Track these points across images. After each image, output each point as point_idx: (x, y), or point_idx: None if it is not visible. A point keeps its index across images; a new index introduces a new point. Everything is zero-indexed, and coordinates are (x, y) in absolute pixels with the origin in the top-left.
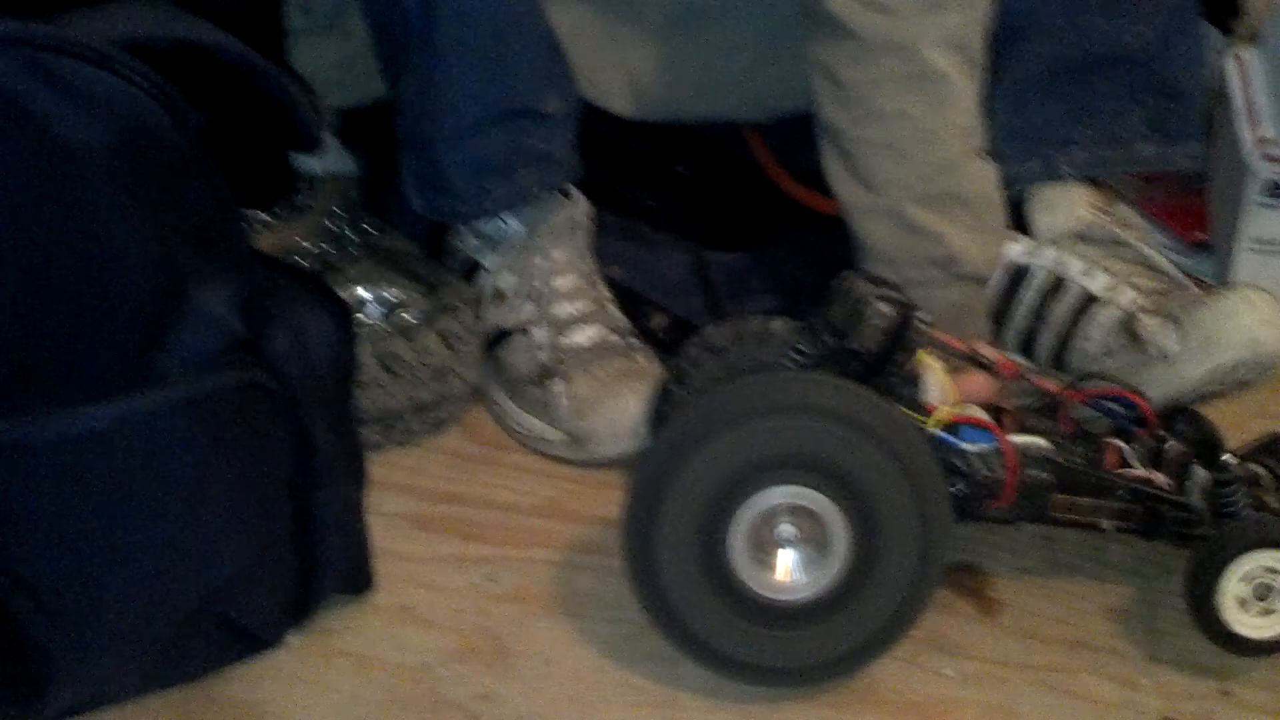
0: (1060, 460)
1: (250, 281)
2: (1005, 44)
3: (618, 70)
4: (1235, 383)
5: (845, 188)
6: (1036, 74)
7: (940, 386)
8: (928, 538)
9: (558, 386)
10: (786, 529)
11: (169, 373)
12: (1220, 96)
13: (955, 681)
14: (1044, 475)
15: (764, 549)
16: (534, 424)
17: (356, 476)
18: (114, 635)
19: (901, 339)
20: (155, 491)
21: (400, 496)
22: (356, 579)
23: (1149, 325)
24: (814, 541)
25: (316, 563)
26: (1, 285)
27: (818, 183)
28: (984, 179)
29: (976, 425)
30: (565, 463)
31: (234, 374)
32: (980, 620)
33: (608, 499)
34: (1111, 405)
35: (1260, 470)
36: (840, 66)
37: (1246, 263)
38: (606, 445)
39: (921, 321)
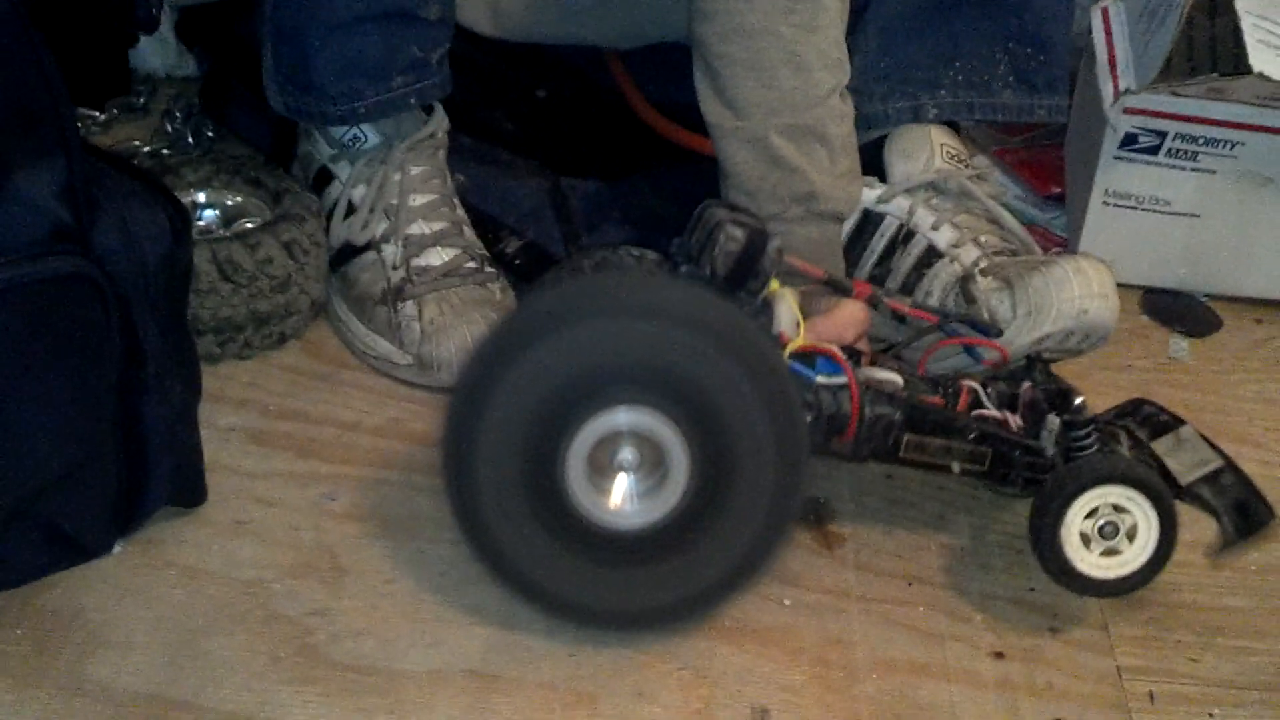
0: (910, 397)
1: (78, 169)
2: None
3: None
4: (1065, 350)
5: (711, 107)
6: (905, 14)
7: (792, 317)
8: (784, 470)
9: (408, 309)
10: (626, 454)
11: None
12: (1084, 50)
13: (793, 610)
14: (892, 412)
15: (599, 474)
16: (380, 345)
17: (190, 386)
18: None
19: (754, 265)
20: None
21: (237, 411)
22: (188, 491)
23: (983, 287)
24: (654, 468)
25: (146, 472)
26: None
27: (680, 115)
28: (845, 120)
29: (828, 357)
30: (409, 385)
31: (57, 263)
32: (820, 553)
33: None
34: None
35: (1120, 432)
36: None
37: (1099, 216)
38: (453, 373)
39: (775, 249)
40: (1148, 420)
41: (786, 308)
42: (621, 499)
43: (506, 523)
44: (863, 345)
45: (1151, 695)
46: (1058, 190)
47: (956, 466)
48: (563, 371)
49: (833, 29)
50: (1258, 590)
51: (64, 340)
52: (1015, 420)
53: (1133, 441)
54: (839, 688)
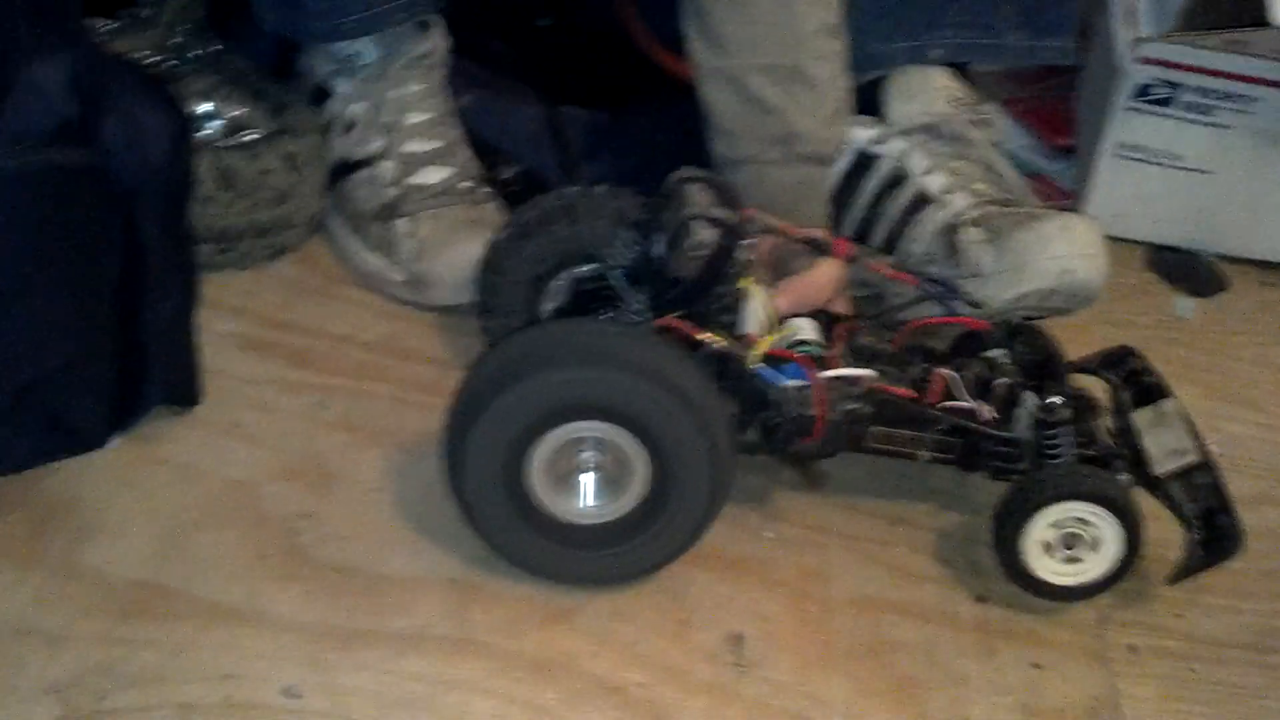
0: (878, 393)
1: (86, 63)
2: None
3: None
4: (1048, 309)
5: (694, 45)
6: None
7: (760, 317)
8: (715, 477)
9: (402, 226)
10: (587, 456)
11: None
12: None
13: (773, 543)
14: (860, 408)
15: (565, 476)
16: (374, 261)
17: (189, 289)
18: None
19: (723, 267)
20: None
21: (233, 318)
22: (184, 391)
23: (968, 239)
24: (613, 470)
25: (143, 368)
26: None
27: (681, 49)
28: (833, 60)
29: (794, 360)
30: (402, 303)
31: (64, 154)
32: (805, 490)
33: (442, 340)
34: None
35: (1100, 385)
36: None
37: (1108, 168)
38: (446, 290)
39: (744, 248)
40: (1133, 377)
41: (755, 307)
42: (584, 497)
43: (493, 523)
44: (841, 305)
45: (1133, 648)
46: (1068, 142)
47: (925, 455)
48: (527, 410)
49: None
50: (1249, 553)
51: (68, 231)
52: (988, 410)
53: (1114, 409)
54: (814, 620)
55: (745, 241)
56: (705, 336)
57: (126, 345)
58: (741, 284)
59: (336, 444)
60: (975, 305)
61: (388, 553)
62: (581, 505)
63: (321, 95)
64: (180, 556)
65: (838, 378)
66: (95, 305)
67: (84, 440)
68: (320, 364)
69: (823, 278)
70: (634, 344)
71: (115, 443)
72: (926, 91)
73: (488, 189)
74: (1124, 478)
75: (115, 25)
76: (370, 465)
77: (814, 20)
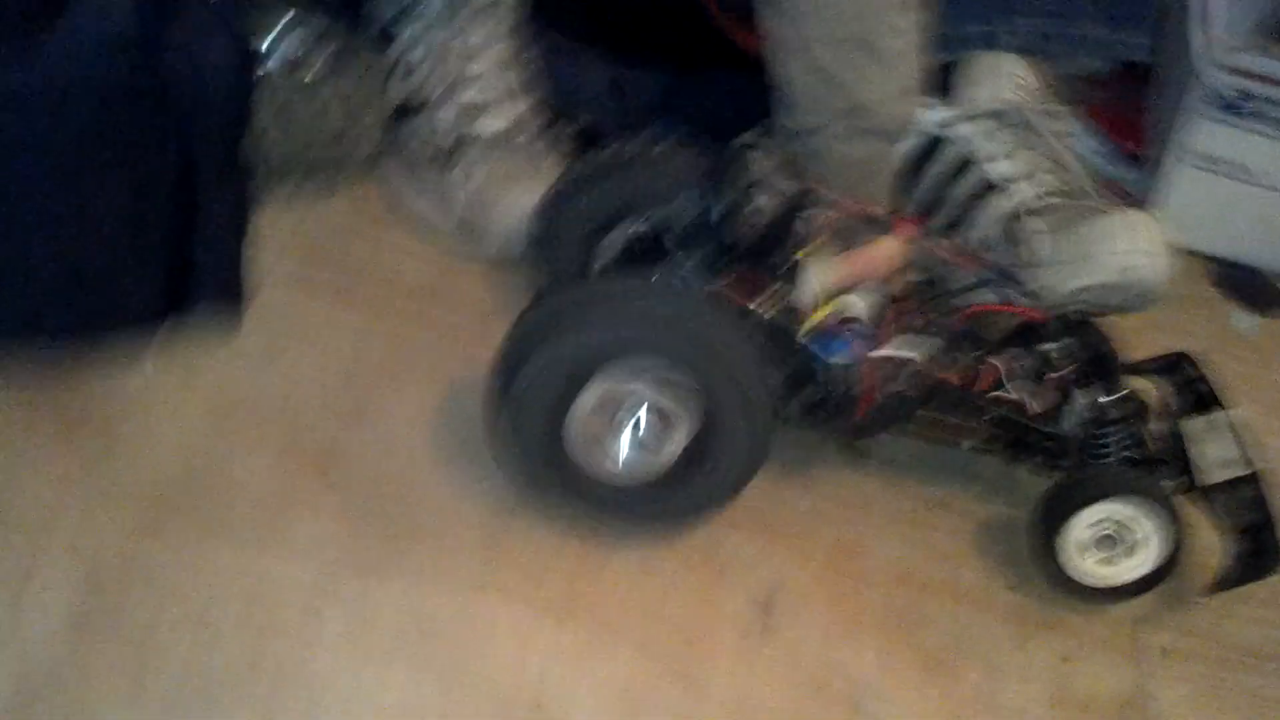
0: (926, 377)
1: None
2: None
3: None
4: (1107, 306)
5: (765, 12)
6: None
7: (814, 291)
8: (754, 435)
9: (456, 174)
10: (628, 412)
11: (54, 51)
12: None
13: (810, 513)
14: (906, 389)
15: (608, 426)
16: (426, 207)
17: (240, 203)
18: None
19: (782, 237)
20: (25, 162)
21: (281, 252)
22: (230, 293)
23: (1029, 228)
24: (655, 423)
25: (193, 267)
26: None
27: (752, 23)
28: (906, 35)
29: (843, 337)
30: (450, 249)
31: (123, 69)
32: (845, 463)
33: (485, 288)
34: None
35: (1152, 390)
36: None
37: (1176, 176)
38: (495, 239)
39: (803, 220)
40: (1187, 385)
41: (809, 279)
42: (623, 451)
43: (533, 457)
44: (897, 284)
45: (1166, 650)
46: (1138, 148)
47: (966, 444)
48: (572, 361)
49: None
50: None
51: (126, 141)
52: (1037, 404)
53: (1165, 414)
54: (846, 591)
55: (804, 213)
56: (756, 305)
57: (177, 256)
58: (798, 255)
59: (375, 381)
60: (1033, 295)
61: (419, 489)
62: (622, 455)
63: (386, 39)
64: (211, 475)
65: (886, 358)
66: (148, 204)
67: (134, 320)
68: (365, 303)
69: (882, 255)
70: (684, 301)
71: (151, 369)
72: (998, 78)
73: (545, 142)
74: (1168, 484)
75: None
76: (406, 404)
77: None
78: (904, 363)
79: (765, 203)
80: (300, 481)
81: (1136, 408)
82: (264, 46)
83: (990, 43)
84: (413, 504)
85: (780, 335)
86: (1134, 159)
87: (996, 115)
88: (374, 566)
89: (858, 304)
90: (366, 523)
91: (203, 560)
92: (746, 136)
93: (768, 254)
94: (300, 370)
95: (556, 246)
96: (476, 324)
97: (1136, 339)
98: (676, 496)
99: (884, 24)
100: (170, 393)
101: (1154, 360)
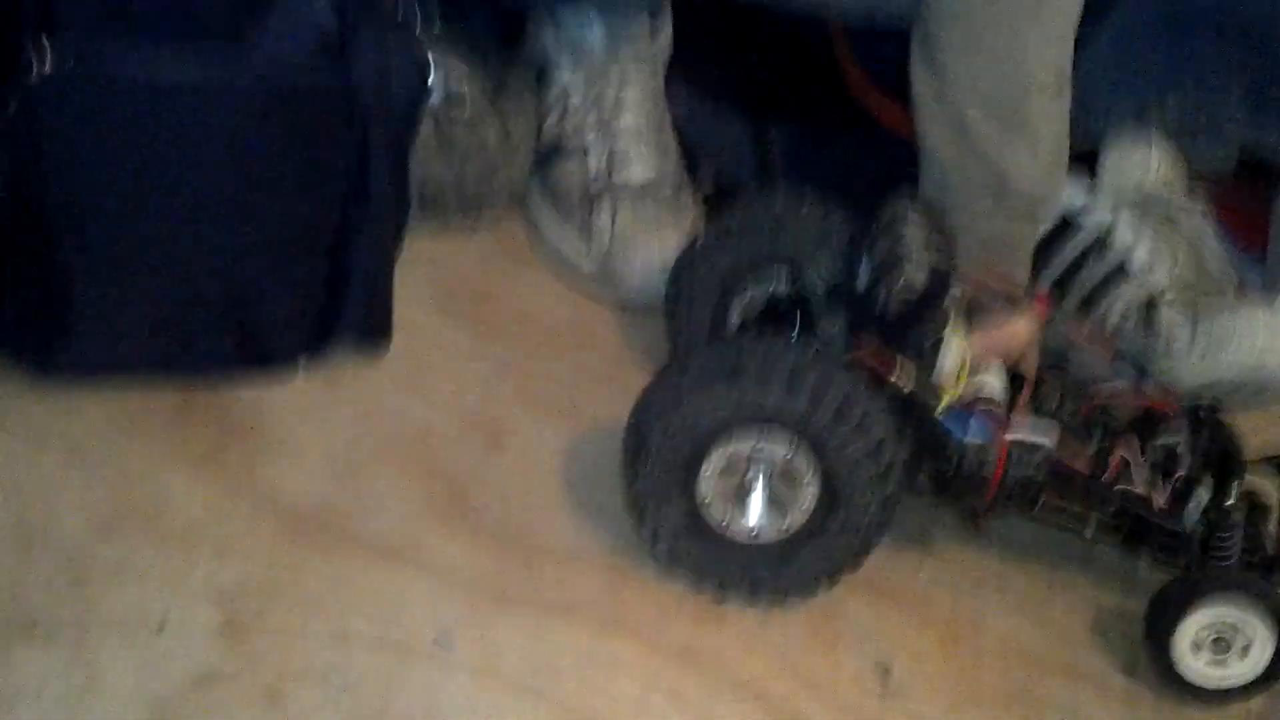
0: (1057, 465)
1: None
2: None
3: None
4: (1236, 400)
5: (917, 74)
6: (1145, 21)
7: (954, 367)
8: (880, 515)
9: (601, 218)
10: (757, 473)
11: (259, 51)
12: None
13: (930, 582)
14: (1035, 475)
15: (737, 489)
16: (568, 247)
17: (398, 232)
18: (140, 298)
19: (929, 311)
20: (215, 167)
21: (426, 279)
22: (375, 331)
23: (1166, 316)
24: (782, 487)
25: (343, 298)
26: None
27: (895, 95)
28: (1055, 119)
29: (980, 417)
30: (590, 291)
31: (319, 77)
32: (966, 534)
33: (623, 332)
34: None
35: (1271, 489)
36: None
37: None
38: (633, 286)
39: (951, 296)
40: None
41: (950, 355)
42: (753, 512)
43: (661, 521)
44: (1030, 363)
45: None
46: (1260, 247)
47: (1089, 532)
48: (708, 419)
49: (1063, 16)
50: None
51: (307, 151)
52: (1160, 498)
53: None
54: (965, 664)
55: (953, 290)
56: (895, 377)
57: (332, 273)
58: (941, 331)
59: (511, 413)
60: (1163, 385)
61: (550, 524)
62: (749, 521)
63: (543, 77)
64: (352, 492)
65: (1018, 441)
66: (315, 226)
67: (273, 359)
68: (503, 335)
69: (1018, 332)
70: (818, 369)
71: (302, 375)
72: (1142, 166)
73: (688, 194)
74: None
75: None
76: (541, 438)
77: (1045, 74)
78: (1035, 447)
79: (913, 276)
80: (437, 505)
81: (1256, 506)
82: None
83: (1139, 128)
84: (542, 538)
85: (916, 409)
86: (1254, 258)
87: (1139, 203)
88: (505, 598)
89: (993, 384)
90: (498, 552)
91: (341, 574)
92: (897, 205)
93: (911, 328)
94: (440, 394)
95: (694, 299)
96: (610, 366)
97: (1259, 430)
98: (801, 559)
99: (1037, 106)
100: (317, 404)
101: (1276, 458)
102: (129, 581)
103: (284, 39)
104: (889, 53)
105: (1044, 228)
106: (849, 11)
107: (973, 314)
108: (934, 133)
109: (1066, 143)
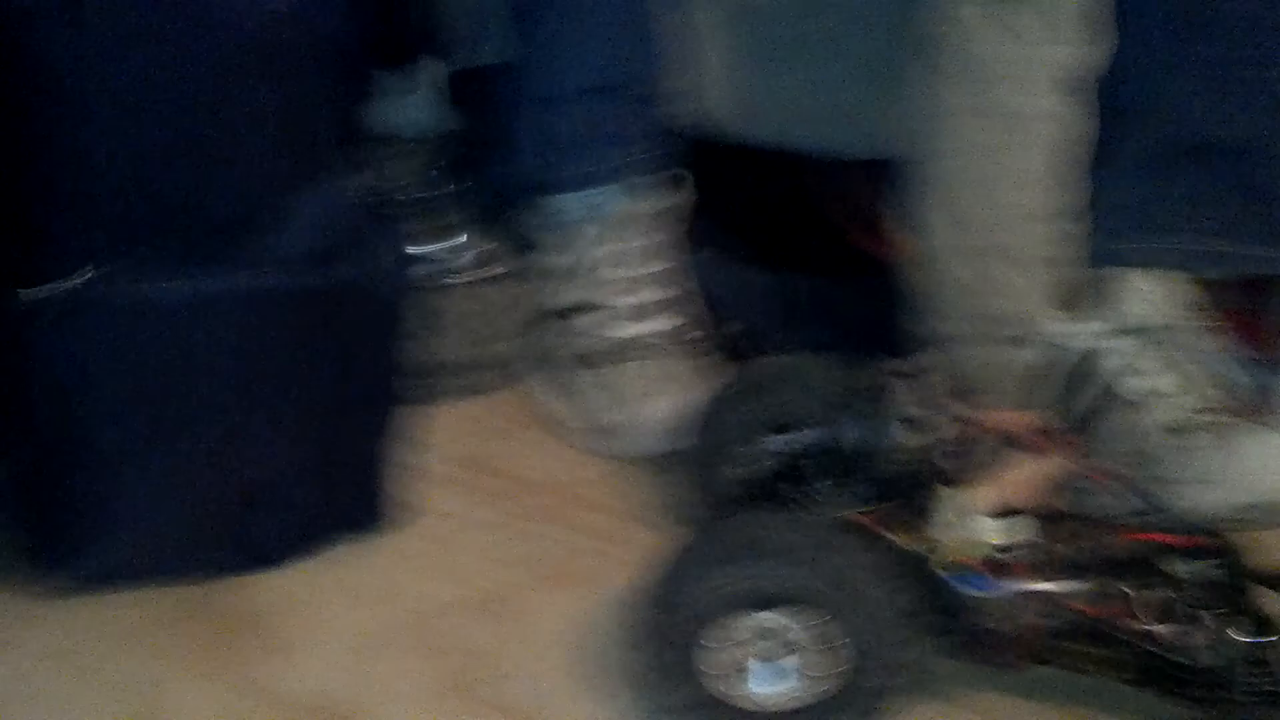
0: (1069, 611)
1: (339, 197)
2: (1127, 118)
3: (730, 87)
4: (1243, 523)
5: (903, 223)
6: (1154, 154)
7: (953, 519)
8: (889, 677)
9: (595, 376)
10: (763, 645)
11: (252, 265)
12: None
13: None
14: (1044, 624)
15: (742, 663)
16: (563, 408)
17: (389, 420)
18: (151, 513)
19: (923, 475)
20: (220, 373)
21: (421, 452)
22: (369, 520)
23: (1176, 444)
24: (787, 661)
25: (337, 494)
26: (140, 153)
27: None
28: (1047, 243)
29: (983, 572)
30: (590, 450)
31: (314, 277)
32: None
33: (622, 491)
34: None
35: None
36: (931, 88)
37: None
38: (632, 442)
39: (947, 457)
40: None
41: (948, 511)
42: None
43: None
44: (1043, 505)
45: None
46: (1265, 352)
47: (1122, 676)
48: (713, 597)
49: (1056, 146)
50: None
51: (302, 351)
52: (1180, 639)
53: None
54: None
55: (949, 450)
56: (894, 537)
57: (324, 470)
58: (942, 491)
59: (516, 584)
60: (1177, 514)
61: (556, 697)
62: (758, 693)
63: (532, 244)
64: (353, 680)
65: (1031, 592)
66: (310, 427)
67: (267, 560)
68: (503, 504)
69: (1029, 478)
70: (823, 543)
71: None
72: (1156, 293)
73: (688, 348)
74: None
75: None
76: (549, 609)
77: (1036, 204)
78: (1049, 596)
79: (910, 438)
80: (447, 685)
81: (1267, 631)
82: (416, 250)
83: (1154, 260)
84: (550, 714)
85: (916, 567)
86: (1259, 363)
87: (1159, 330)
88: None
89: (992, 528)
90: None
91: None
92: (891, 363)
93: (908, 489)
94: (441, 570)
95: (706, 457)
96: (618, 525)
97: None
98: None
99: (1025, 233)
100: (316, 590)
101: None
102: None
103: (275, 251)
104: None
105: (1061, 361)
106: (858, 146)
107: (979, 460)
108: (924, 274)
109: (1059, 266)
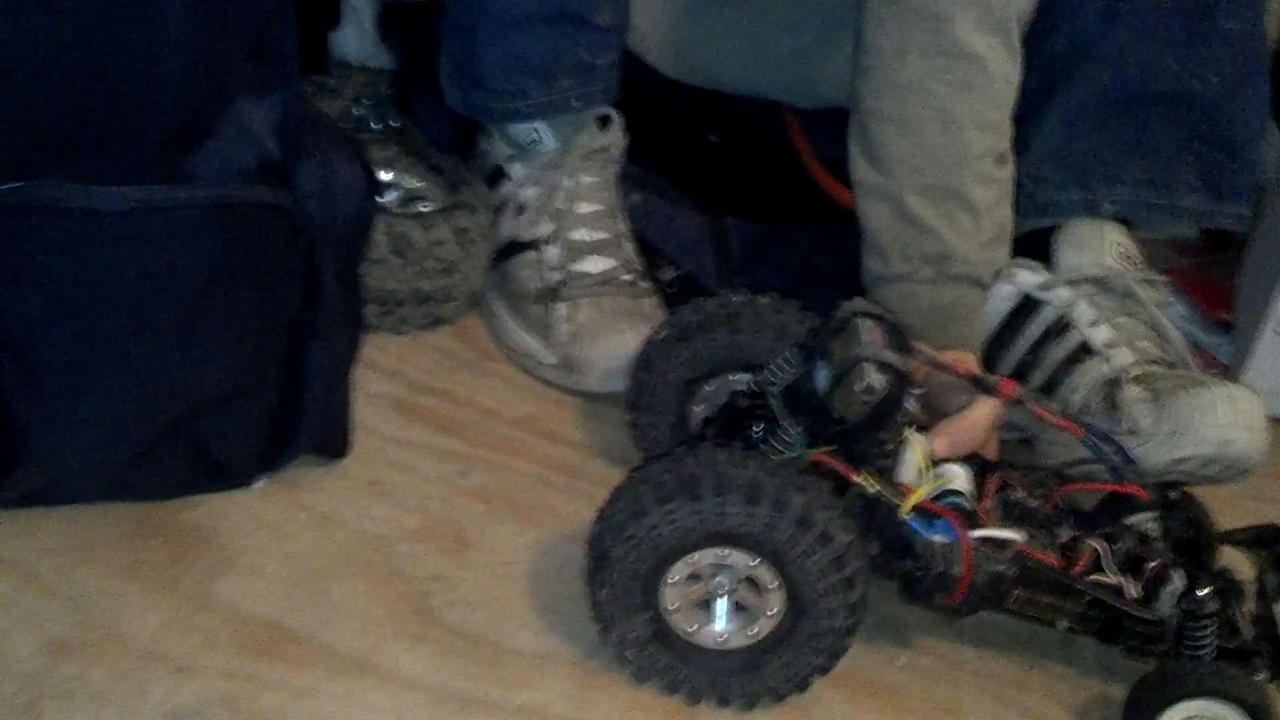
0: (1025, 558)
1: (294, 110)
2: (1067, 66)
3: (664, 29)
4: (1201, 477)
5: (856, 164)
6: (1094, 102)
7: (917, 467)
8: (848, 620)
9: (560, 310)
10: (722, 581)
11: (198, 176)
12: (1276, 179)
13: (905, 670)
14: (1006, 570)
15: (701, 599)
16: (529, 342)
17: (351, 342)
18: (90, 426)
19: (889, 415)
20: (160, 289)
21: (385, 380)
22: (333, 441)
23: (1129, 395)
24: (748, 597)
25: (299, 412)
26: (55, 54)
27: (845, 175)
28: (997, 186)
29: (945, 516)
30: (551, 386)
31: (259, 191)
32: (941, 620)
33: (585, 425)
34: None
35: (1245, 565)
36: (872, 28)
37: (1269, 346)
38: (596, 377)
39: (913, 397)
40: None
41: (913, 456)
42: (717, 623)
43: (625, 632)
44: (991, 448)
45: None
46: (1225, 316)
47: (1063, 624)
48: (669, 535)
49: (994, 90)
50: None
51: (252, 267)
52: (1133, 588)
53: (1258, 593)
54: None
55: (915, 391)
56: (859, 479)
57: (287, 385)
58: (905, 433)
59: (474, 513)
60: (1129, 463)
61: (515, 626)
62: (715, 629)
63: (498, 177)
64: (311, 602)
65: (987, 539)
66: (267, 340)
67: (229, 478)
68: (465, 434)
69: (980, 418)
70: (781, 481)
71: (260, 484)
72: (1098, 244)
73: (646, 284)
74: (1262, 676)
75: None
76: (505, 538)
77: (981, 143)
78: (1003, 544)
79: (875, 378)
80: (399, 612)
81: (1230, 589)
82: (381, 178)
83: (1092, 209)
84: (508, 642)
85: (881, 510)
86: (1221, 326)
87: (1098, 281)
88: (469, 705)
89: (958, 476)
90: (463, 660)
91: (302, 688)
92: (857, 303)
93: (875, 430)
94: (401, 498)
95: (656, 393)
96: (575, 458)
97: (1227, 508)
98: (770, 666)
99: (976, 173)
100: (275, 512)
101: (1250, 531)
102: (84, 704)
103: (222, 161)
104: (837, 133)
105: (997, 310)
106: (798, 93)
107: (933, 400)
108: (874, 214)
109: (1009, 211)
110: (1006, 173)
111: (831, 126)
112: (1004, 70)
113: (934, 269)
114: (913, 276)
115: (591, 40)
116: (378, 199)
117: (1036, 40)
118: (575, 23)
